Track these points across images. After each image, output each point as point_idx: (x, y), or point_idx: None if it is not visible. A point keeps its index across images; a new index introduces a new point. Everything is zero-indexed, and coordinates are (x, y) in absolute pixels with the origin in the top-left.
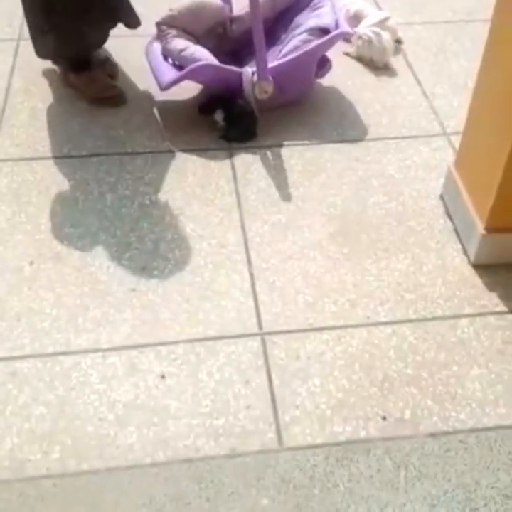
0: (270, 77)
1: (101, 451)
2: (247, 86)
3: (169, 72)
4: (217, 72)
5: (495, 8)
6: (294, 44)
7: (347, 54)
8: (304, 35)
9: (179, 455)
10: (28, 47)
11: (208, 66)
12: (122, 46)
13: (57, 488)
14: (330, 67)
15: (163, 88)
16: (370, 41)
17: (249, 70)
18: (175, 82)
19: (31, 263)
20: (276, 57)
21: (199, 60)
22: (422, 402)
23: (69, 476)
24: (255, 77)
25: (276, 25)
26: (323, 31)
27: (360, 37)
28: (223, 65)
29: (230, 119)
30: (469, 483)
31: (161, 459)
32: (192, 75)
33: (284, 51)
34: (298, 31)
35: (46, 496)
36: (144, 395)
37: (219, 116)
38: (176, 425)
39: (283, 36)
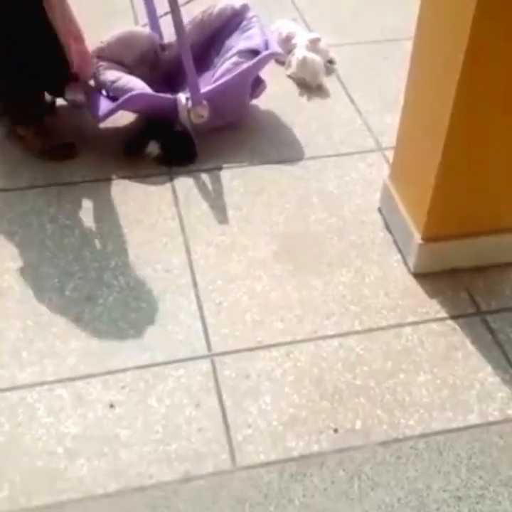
0: (205, 102)
1: (52, 485)
2: (182, 112)
3: (103, 104)
4: (151, 101)
5: (416, 27)
6: (225, 67)
7: (289, 76)
8: (235, 58)
9: (132, 483)
10: None
11: (141, 95)
12: None
13: None
14: (264, 87)
15: (99, 120)
16: (303, 62)
17: (182, 96)
18: (110, 113)
19: None
20: (210, 82)
21: (132, 89)
22: (372, 412)
23: None
24: (189, 103)
25: (208, 50)
26: (254, 52)
27: (294, 56)
28: (157, 94)
29: (168, 145)
30: (421, 488)
31: (113, 489)
32: (126, 105)
33: (216, 75)
34: (229, 54)
35: None
36: (94, 425)
37: (153, 147)
38: (127, 453)
39: (215, 60)
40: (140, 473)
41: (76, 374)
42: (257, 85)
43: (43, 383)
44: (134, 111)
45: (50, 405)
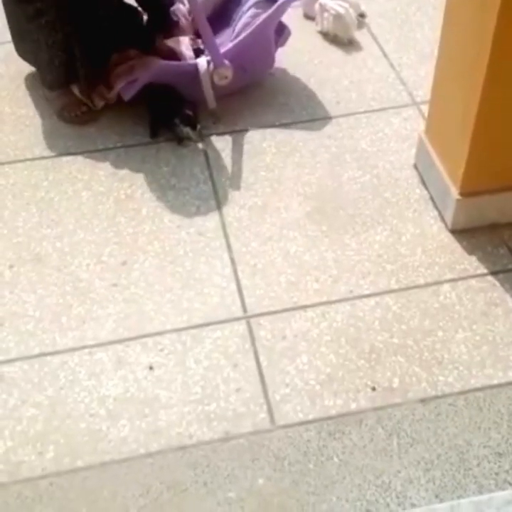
0: (227, 62)
1: (94, 446)
2: (204, 77)
3: (129, 83)
4: (173, 71)
5: None
6: (243, 22)
7: (319, 31)
8: (252, 10)
9: (173, 443)
10: None
11: (163, 67)
12: None
13: (54, 487)
14: (289, 33)
15: (127, 99)
16: (337, 16)
17: (203, 60)
18: (136, 89)
19: (11, 267)
20: (231, 39)
21: (153, 65)
22: (410, 370)
23: (65, 474)
24: (211, 66)
25: (227, 7)
26: (270, 1)
27: (326, 11)
28: (177, 63)
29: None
30: (461, 444)
31: (155, 449)
32: (151, 79)
33: (236, 31)
34: (246, 8)
35: (44, 495)
36: (134, 387)
37: (187, 130)
38: (167, 414)
39: (234, 16)
40: (180, 433)
41: (115, 338)
42: (281, 32)
43: (83, 347)
44: (158, 83)
45: (91, 368)
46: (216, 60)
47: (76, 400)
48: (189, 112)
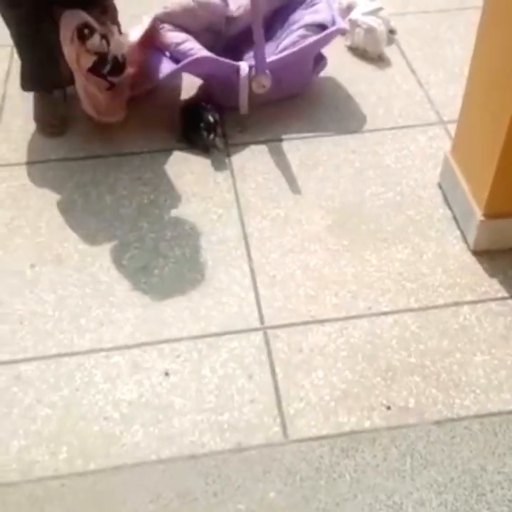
0: (268, 72)
1: (107, 450)
2: (243, 80)
3: (165, 65)
4: (215, 66)
5: None
6: (292, 39)
7: (349, 46)
8: (302, 31)
9: (185, 451)
10: None
11: (205, 59)
12: None
13: (65, 488)
14: (325, 64)
15: (160, 80)
16: (368, 32)
17: (245, 64)
18: (172, 74)
19: (32, 266)
20: (274, 53)
21: (196, 54)
22: (426, 391)
23: (76, 475)
24: (253, 72)
25: (273, 22)
26: (320, 27)
27: (358, 25)
28: (220, 58)
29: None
30: (475, 469)
31: (167, 456)
32: (189, 68)
33: (281, 46)
34: (295, 26)
35: (55, 496)
36: (149, 392)
37: (218, 141)
38: (180, 422)
39: (279, 32)
40: (193, 441)
41: (132, 342)
42: (318, 62)
43: (100, 350)
44: (194, 74)
45: (107, 372)
46: (260, 67)
47: (91, 402)
48: (212, 119)
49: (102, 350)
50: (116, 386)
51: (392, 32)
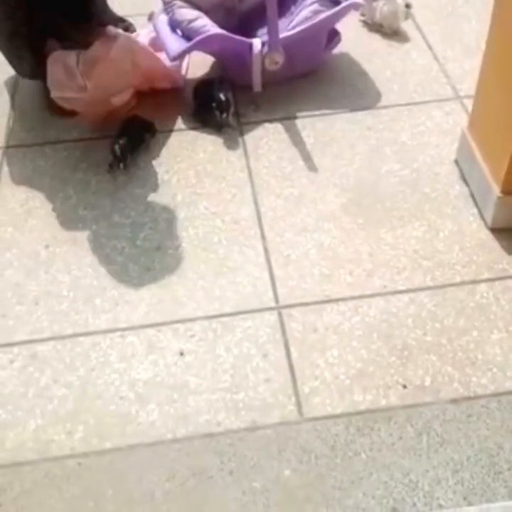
0: (281, 48)
1: (123, 429)
2: (256, 57)
3: (177, 43)
4: (227, 43)
5: None
6: (304, 15)
7: (363, 20)
8: (315, 6)
9: (200, 430)
10: None
11: (218, 36)
12: None
13: (81, 467)
14: (339, 40)
15: (172, 58)
16: (387, 6)
17: (259, 41)
18: (184, 52)
19: (47, 247)
20: (286, 29)
21: (208, 31)
22: (442, 369)
23: (93, 454)
24: (265, 48)
25: None
26: (334, 2)
27: (374, 1)
28: (233, 36)
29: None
30: (492, 447)
31: (182, 435)
32: (202, 46)
33: (294, 22)
34: (308, 2)
35: (71, 474)
36: (164, 372)
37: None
38: (196, 401)
39: (292, 8)
40: (208, 420)
41: (147, 322)
42: (332, 38)
43: (115, 330)
44: (207, 52)
45: (123, 351)
46: (273, 44)
47: (106, 381)
48: (224, 98)
49: (117, 330)
50: (131, 366)
51: (407, 6)
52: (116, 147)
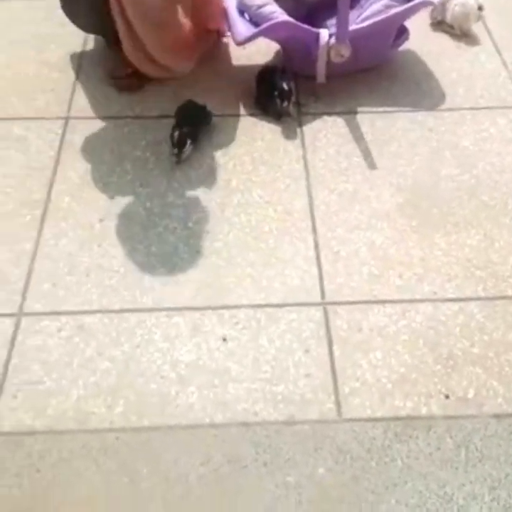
0: (348, 41)
1: (162, 408)
2: (322, 48)
3: (245, 27)
4: (294, 31)
5: None
6: (375, 9)
7: (434, 20)
8: (387, 1)
9: (238, 418)
10: None
11: (286, 24)
12: None
13: (119, 442)
14: (407, 37)
15: (239, 43)
16: (461, 7)
17: (326, 32)
18: (251, 37)
19: (101, 220)
20: (355, 22)
21: (277, 18)
22: (487, 383)
23: (131, 431)
24: (333, 40)
25: None
26: None
27: (448, 1)
28: (301, 24)
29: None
30: None
31: (220, 421)
32: (269, 32)
33: (363, 15)
34: None
35: (109, 448)
36: (206, 356)
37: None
38: (235, 388)
39: (363, 1)
40: (246, 409)
41: (193, 304)
42: (401, 34)
43: (161, 309)
44: (273, 39)
45: (167, 331)
46: (341, 36)
47: (149, 359)
48: (286, 87)
49: (163, 309)
50: (174, 346)
51: (479, 8)
52: (176, 134)
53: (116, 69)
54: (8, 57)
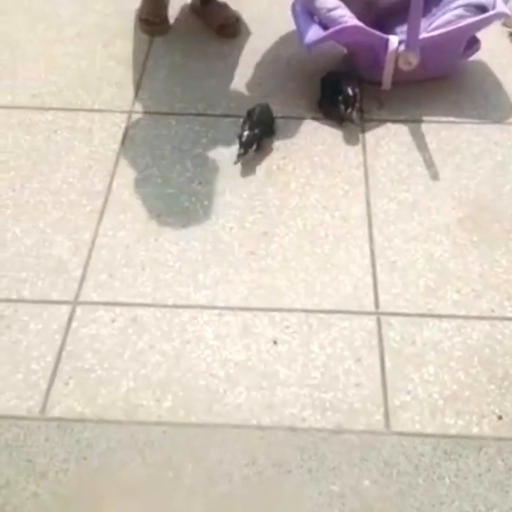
0: (418, 49)
1: (210, 406)
2: (391, 54)
3: (313, 30)
4: (364, 36)
5: None
6: (447, 18)
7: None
8: (460, 11)
9: (285, 422)
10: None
11: (356, 28)
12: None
13: (166, 436)
14: (478, 48)
15: (308, 46)
16: None
17: (395, 38)
18: (320, 40)
19: (159, 215)
20: (426, 30)
21: (346, 22)
22: None
23: (178, 426)
24: (402, 47)
25: None
26: (480, 8)
27: None
28: (370, 29)
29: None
30: None
31: (266, 423)
32: (338, 36)
33: (434, 24)
34: (453, 6)
35: (155, 442)
36: (256, 357)
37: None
38: (283, 392)
39: (434, 10)
40: (293, 414)
41: (245, 305)
42: (471, 46)
43: (214, 307)
44: (342, 43)
45: (218, 330)
46: (411, 43)
47: (199, 356)
48: (351, 93)
49: (215, 308)
50: (225, 345)
51: None
52: (245, 134)
53: (150, 15)
54: (76, 49)
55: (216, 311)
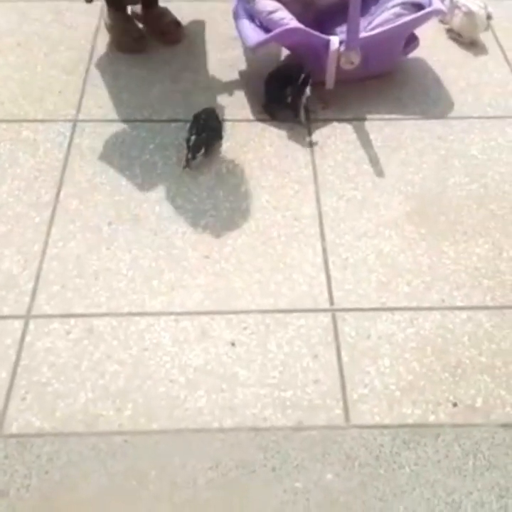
0: (358, 48)
1: (171, 412)
2: (332, 55)
3: (255, 33)
4: (305, 38)
5: None
6: (385, 17)
7: (446, 28)
8: (397, 9)
9: (246, 423)
10: None
11: (297, 30)
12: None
13: (128, 445)
14: (416, 45)
15: (251, 48)
16: (469, 15)
17: (336, 39)
18: (262, 43)
19: (110, 224)
20: (365, 29)
21: (287, 24)
22: (495, 392)
23: (139, 434)
24: (343, 47)
25: None
26: (417, 6)
27: (457, 7)
28: (311, 31)
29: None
30: None
31: (228, 425)
32: (280, 38)
33: (374, 23)
34: (390, 4)
35: (117, 451)
36: (214, 360)
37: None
38: (244, 393)
39: (373, 8)
40: (254, 414)
41: (201, 309)
42: (410, 42)
43: (170, 313)
44: (284, 45)
45: (176, 335)
46: (351, 43)
47: (158, 363)
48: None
49: (171, 313)
50: (183, 350)
51: (488, 17)
52: (193, 139)
53: (124, 33)
54: (16, 59)
55: (172, 317)
